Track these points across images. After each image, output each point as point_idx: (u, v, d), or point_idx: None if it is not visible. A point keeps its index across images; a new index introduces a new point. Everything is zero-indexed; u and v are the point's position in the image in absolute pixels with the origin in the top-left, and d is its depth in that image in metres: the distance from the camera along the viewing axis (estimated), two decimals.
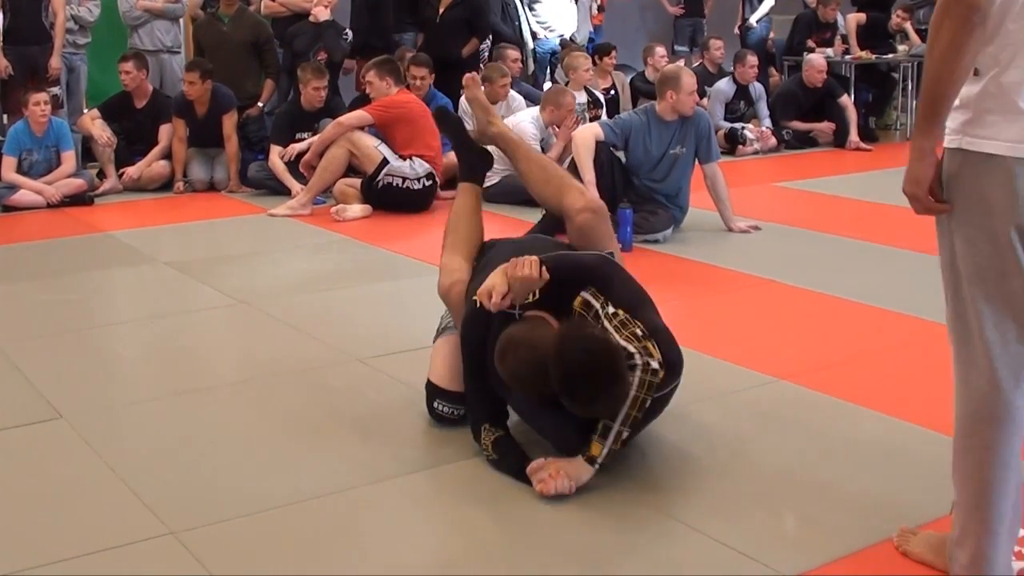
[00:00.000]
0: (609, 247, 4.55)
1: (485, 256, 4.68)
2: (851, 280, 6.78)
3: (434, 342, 4.75)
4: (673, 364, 4.05)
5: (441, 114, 5.33)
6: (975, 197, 2.97)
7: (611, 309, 4.01)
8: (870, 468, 4.16)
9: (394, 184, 9.06)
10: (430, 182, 9.32)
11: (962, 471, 3.18)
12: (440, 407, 4.52)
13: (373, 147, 9.25)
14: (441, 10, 11.70)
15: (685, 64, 15.13)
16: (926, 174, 2.99)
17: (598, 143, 7.99)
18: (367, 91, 9.88)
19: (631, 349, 3.89)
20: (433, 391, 4.56)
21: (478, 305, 4.11)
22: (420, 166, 9.21)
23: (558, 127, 9.74)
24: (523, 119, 9.64)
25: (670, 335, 4.16)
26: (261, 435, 4.62)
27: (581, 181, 7.13)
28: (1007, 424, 3.06)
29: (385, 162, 9.14)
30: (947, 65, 2.82)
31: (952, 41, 2.79)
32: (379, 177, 9.14)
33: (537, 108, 9.83)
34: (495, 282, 4.07)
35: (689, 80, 8.05)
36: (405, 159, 9.21)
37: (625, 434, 3.94)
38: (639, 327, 3.98)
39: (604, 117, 10.62)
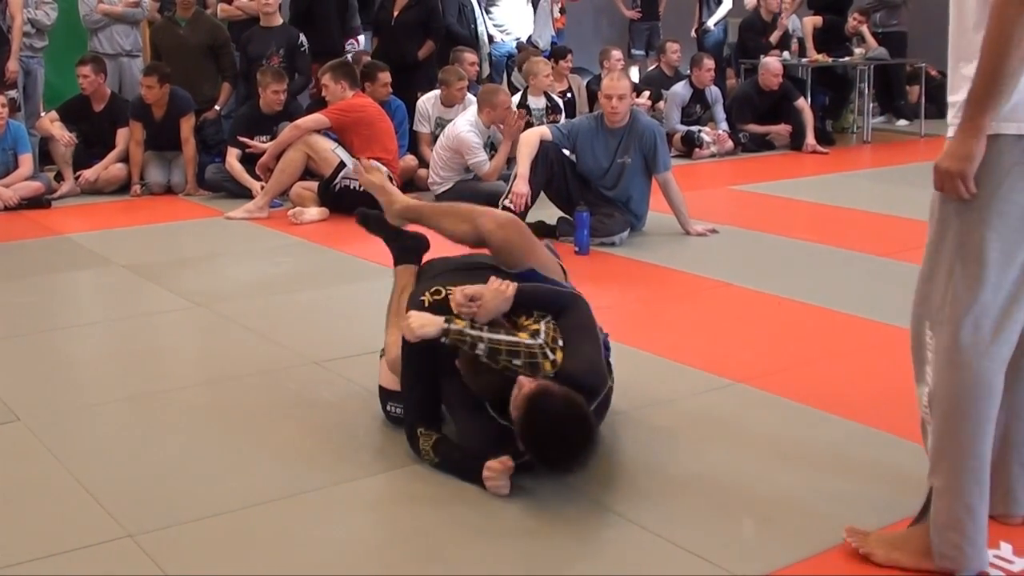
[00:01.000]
0: (534, 259, 4.55)
1: (425, 275, 4.75)
2: (807, 283, 6.82)
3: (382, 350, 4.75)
4: (591, 388, 4.06)
5: (362, 219, 5.24)
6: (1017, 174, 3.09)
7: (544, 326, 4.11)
8: (826, 471, 4.19)
9: (351, 187, 9.05)
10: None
11: (951, 451, 3.22)
12: (393, 409, 4.53)
13: (330, 150, 9.25)
14: (396, 13, 11.68)
15: (641, 68, 15.27)
16: (979, 151, 3.07)
17: (547, 144, 8.03)
18: (323, 95, 9.87)
19: (541, 332, 4.02)
20: (386, 395, 4.59)
21: (428, 304, 4.19)
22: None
23: (501, 125, 9.76)
24: (462, 128, 9.59)
25: (600, 366, 4.20)
26: (218, 438, 4.62)
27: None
28: (994, 397, 3.19)
29: (342, 165, 9.14)
30: (1012, 42, 2.94)
31: (1018, 17, 2.92)
32: (336, 180, 9.14)
33: (472, 109, 9.80)
34: (476, 289, 4.12)
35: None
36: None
37: (480, 346, 3.98)
38: (559, 339, 4.08)
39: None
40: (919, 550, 3.36)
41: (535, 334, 4.03)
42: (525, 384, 3.88)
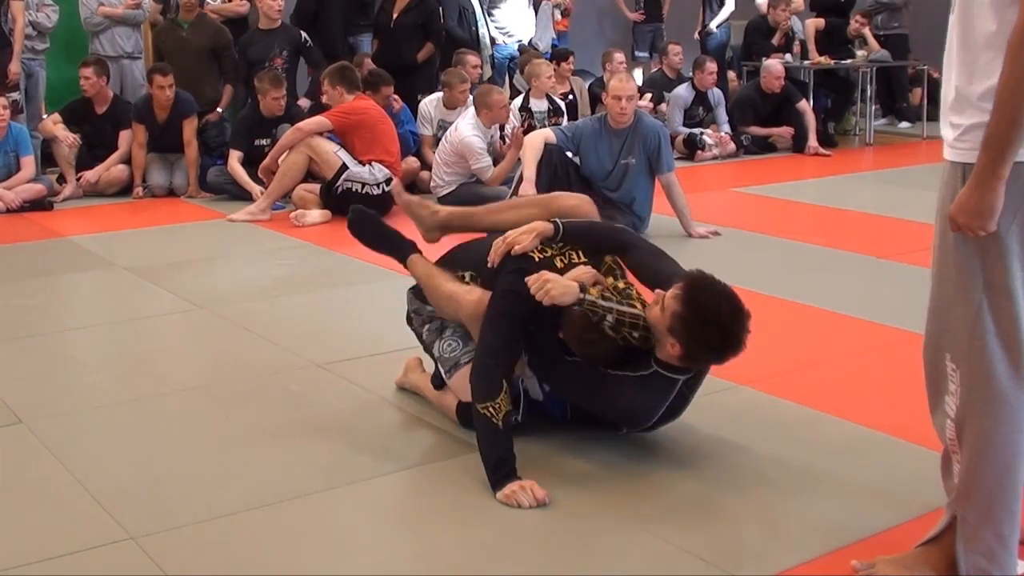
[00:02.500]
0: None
1: (459, 262, 4.73)
2: (810, 285, 6.82)
3: (448, 375, 4.61)
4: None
5: (356, 222, 5.17)
6: None
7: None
8: (829, 474, 4.19)
9: (353, 189, 9.05)
10: (389, 187, 9.31)
11: (986, 483, 3.18)
12: None
13: (332, 152, 9.25)
14: (395, 15, 11.68)
15: (644, 70, 15.27)
16: (999, 204, 2.95)
17: (551, 147, 8.03)
18: (323, 99, 9.88)
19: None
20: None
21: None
22: (379, 171, 9.20)
23: (502, 126, 9.79)
24: (465, 132, 9.62)
25: None
26: (220, 440, 4.62)
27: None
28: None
29: (344, 167, 9.14)
30: None
31: None
32: (338, 182, 9.13)
33: (471, 115, 9.78)
34: (566, 284, 4.14)
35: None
36: (364, 164, 9.20)
37: (608, 318, 4.07)
38: None
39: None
40: (936, 570, 3.33)
41: (642, 303, 4.18)
42: (670, 290, 4.04)
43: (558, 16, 15.35)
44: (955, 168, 3.09)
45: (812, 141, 12.82)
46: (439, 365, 4.67)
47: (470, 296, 4.46)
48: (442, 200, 9.52)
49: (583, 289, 4.12)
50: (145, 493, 4.09)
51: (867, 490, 4.03)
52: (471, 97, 10.65)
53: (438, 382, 4.72)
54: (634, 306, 4.15)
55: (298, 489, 4.09)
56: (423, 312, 4.82)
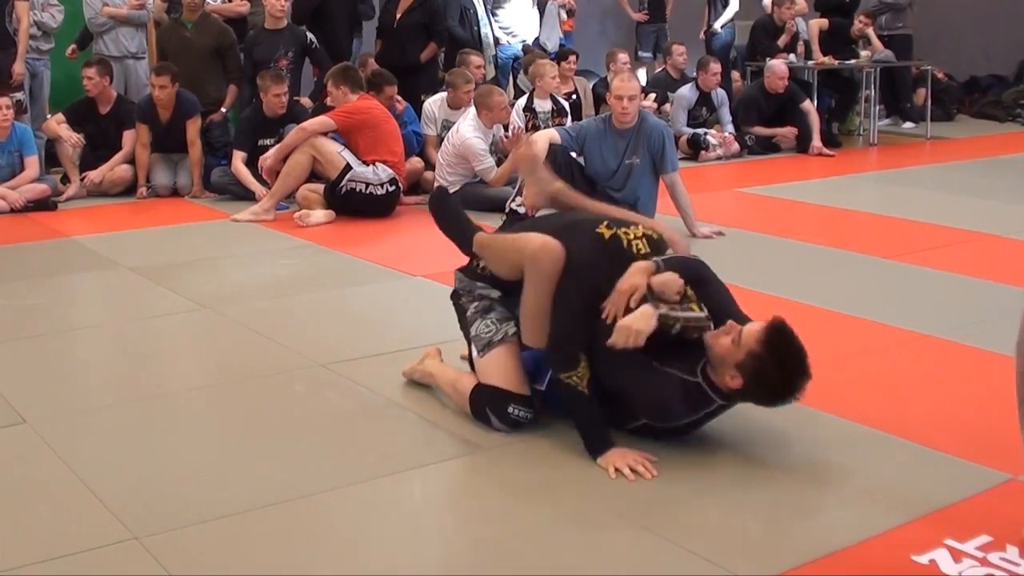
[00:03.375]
0: None
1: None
2: (814, 285, 6.82)
3: (480, 354, 4.65)
4: None
5: (437, 202, 5.21)
6: None
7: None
8: (831, 473, 4.21)
9: (357, 189, 9.06)
10: (393, 187, 9.32)
11: None
12: (515, 411, 4.49)
13: (336, 152, 9.25)
14: (398, 15, 11.68)
15: (648, 70, 15.26)
16: None
17: (556, 147, 8.02)
18: (327, 100, 9.88)
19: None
20: (506, 396, 4.51)
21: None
22: (383, 172, 9.21)
23: (505, 126, 9.79)
24: (467, 134, 9.62)
25: None
26: (224, 440, 4.63)
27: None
28: None
29: (348, 168, 9.14)
30: None
31: None
32: (342, 183, 9.13)
33: (472, 116, 9.76)
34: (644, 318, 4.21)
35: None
36: (368, 165, 9.20)
37: (676, 326, 4.20)
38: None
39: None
40: None
41: (700, 306, 4.33)
42: (748, 327, 4.14)
43: (563, 16, 15.33)
44: None
45: (816, 141, 12.81)
46: (475, 345, 4.70)
47: (535, 237, 4.46)
48: None
49: (654, 304, 4.21)
50: (149, 493, 4.09)
51: (869, 489, 4.04)
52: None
53: (472, 365, 4.77)
54: (693, 309, 4.28)
55: (301, 489, 4.09)
56: (473, 290, 4.84)
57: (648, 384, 4.24)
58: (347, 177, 9.14)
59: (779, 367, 4.05)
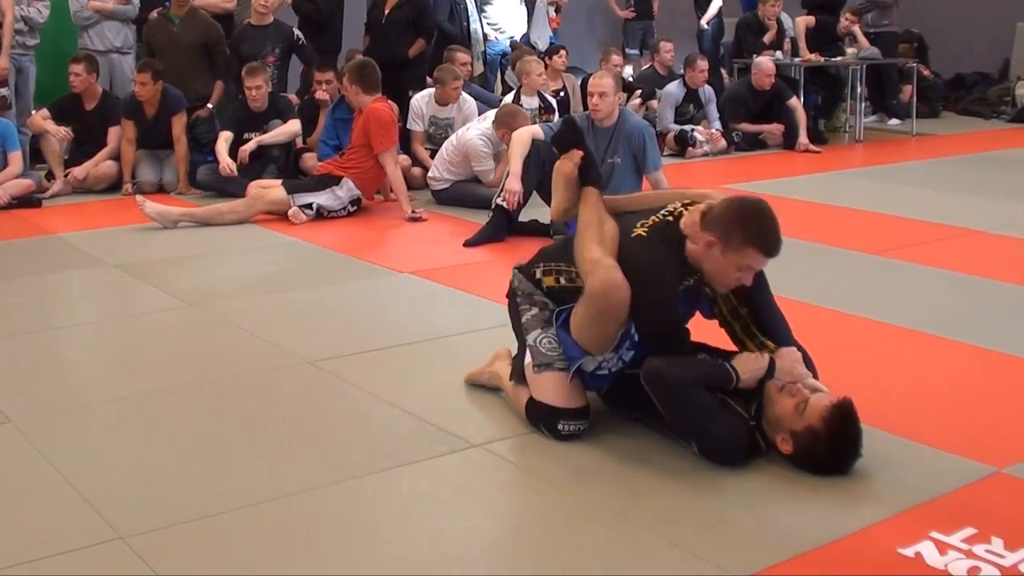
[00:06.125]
0: None
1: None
2: (799, 281, 6.80)
3: (537, 370, 4.57)
4: None
5: (568, 130, 5.05)
6: None
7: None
8: None
9: (314, 206, 8.98)
10: (355, 208, 9.24)
11: None
12: (565, 427, 4.46)
13: (284, 199, 9.12)
14: (386, 11, 11.65)
15: (635, 67, 15.27)
16: None
17: (539, 143, 8.02)
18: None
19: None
20: (556, 413, 4.47)
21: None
22: (346, 192, 9.15)
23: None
24: (472, 136, 9.64)
25: None
26: (211, 438, 4.61)
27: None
28: None
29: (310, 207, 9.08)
30: None
31: None
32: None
33: (487, 121, 9.75)
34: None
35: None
36: (331, 188, 9.14)
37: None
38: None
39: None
40: None
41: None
42: (816, 399, 4.19)
43: (552, 13, 15.34)
44: None
45: (803, 138, 12.85)
46: (531, 354, 4.63)
47: (606, 260, 4.40)
48: (438, 195, 9.67)
49: (766, 350, 4.53)
50: (135, 492, 4.07)
51: (855, 483, 4.05)
52: (465, 95, 10.66)
53: (519, 371, 4.71)
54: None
55: (288, 488, 4.08)
56: (535, 297, 4.75)
57: (713, 416, 4.23)
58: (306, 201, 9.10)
59: (833, 448, 4.08)
